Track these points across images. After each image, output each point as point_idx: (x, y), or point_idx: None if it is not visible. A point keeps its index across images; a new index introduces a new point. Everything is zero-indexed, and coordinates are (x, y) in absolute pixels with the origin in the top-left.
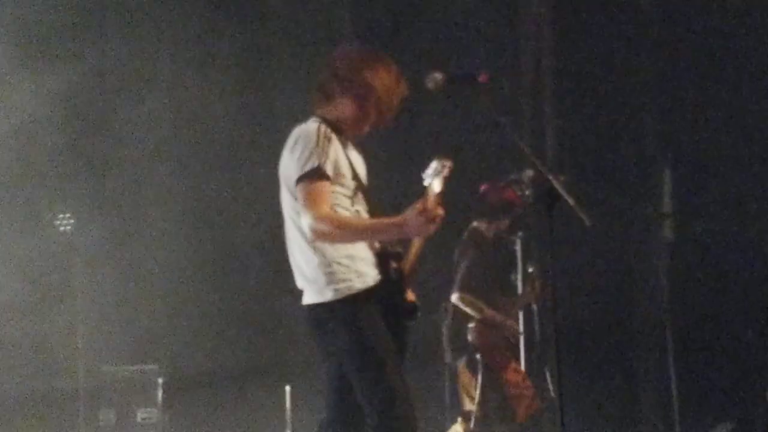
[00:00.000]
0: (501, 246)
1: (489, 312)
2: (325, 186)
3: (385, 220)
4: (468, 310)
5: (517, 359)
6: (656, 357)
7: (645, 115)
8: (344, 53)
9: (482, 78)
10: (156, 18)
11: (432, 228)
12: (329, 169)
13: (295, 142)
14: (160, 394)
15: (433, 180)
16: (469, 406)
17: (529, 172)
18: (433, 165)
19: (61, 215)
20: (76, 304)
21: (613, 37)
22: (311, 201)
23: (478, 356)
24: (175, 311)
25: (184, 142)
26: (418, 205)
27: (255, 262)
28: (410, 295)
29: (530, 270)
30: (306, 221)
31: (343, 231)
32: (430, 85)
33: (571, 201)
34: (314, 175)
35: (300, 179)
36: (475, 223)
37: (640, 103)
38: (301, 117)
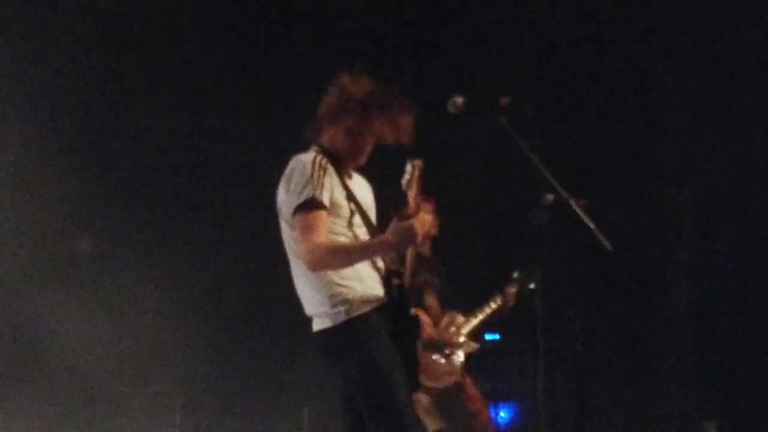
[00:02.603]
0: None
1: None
2: (320, 216)
3: (375, 239)
4: None
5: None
6: (678, 381)
7: (663, 136)
8: (344, 84)
9: (503, 101)
10: None
11: (418, 234)
12: (325, 199)
13: (291, 173)
14: (178, 416)
15: (407, 184)
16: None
17: (549, 197)
18: (407, 168)
19: None
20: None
21: (629, 54)
22: (306, 231)
23: None
24: (192, 334)
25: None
26: (404, 223)
27: (271, 282)
28: (413, 311)
29: (515, 275)
30: (302, 251)
31: (336, 257)
32: (451, 108)
33: (591, 225)
34: (310, 206)
35: (296, 210)
36: None
37: (658, 124)
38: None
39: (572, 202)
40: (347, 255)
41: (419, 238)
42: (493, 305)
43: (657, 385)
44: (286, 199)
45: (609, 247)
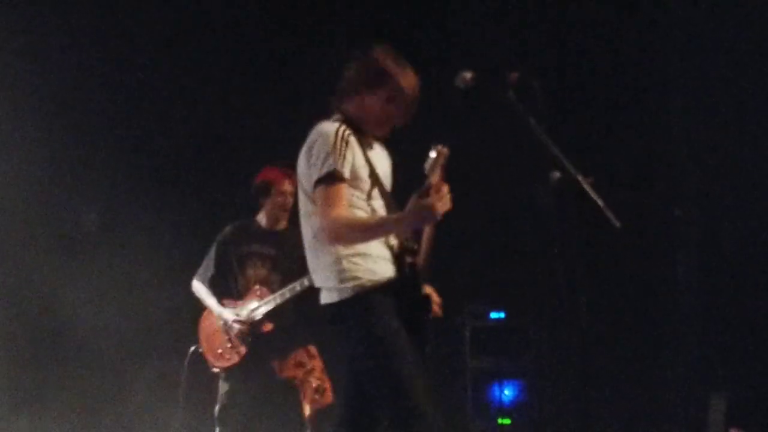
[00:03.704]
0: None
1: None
2: (341, 189)
3: (393, 215)
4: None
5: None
6: (686, 354)
7: (671, 114)
8: (373, 52)
9: (512, 78)
10: None
11: (438, 213)
12: (346, 172)
13: (313, 144)
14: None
15: (431, 169)
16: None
17: (556, 174)
18: (431, 154)
19: None
20: None
21: (639, 31)
22: (327, 204)
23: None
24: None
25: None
26: (423, 201)
27: None
28: (426, 290)
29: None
30: (321, 224)
31: (356, 231)
32: (459, 84)
33: (599, 203)
34: (331, 179)
35: (317, 183)
36: None
37: (666, 104)
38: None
39: (580, 178)
40: (367, 230)
41: (439, 217)
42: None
43: (664, 359)
44: (306, 170)
45: (617, 224)
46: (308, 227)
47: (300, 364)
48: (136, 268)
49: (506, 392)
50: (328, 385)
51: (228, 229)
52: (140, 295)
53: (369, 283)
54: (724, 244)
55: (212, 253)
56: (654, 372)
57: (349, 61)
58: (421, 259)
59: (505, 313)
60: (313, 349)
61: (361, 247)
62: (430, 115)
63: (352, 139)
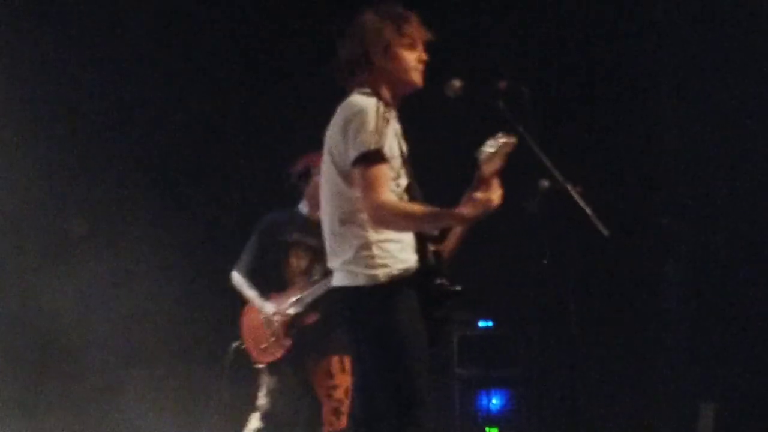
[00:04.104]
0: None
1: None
2: (384, 169)
3: (444, 209)
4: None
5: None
6: (675, 364)
7: (661, 123)
8: (362, 18)
9: (501, 85)
10: None
11: (494, 206)
12: (387, 151)
13: (351, 118)
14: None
15: (490, 156)
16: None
17: (545, 182)
18: (495, 142)
19: None
20: None
21: (629, 38)
22: (371, 186)
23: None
24: (190, 315)
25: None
26: (480, 194)
27: None
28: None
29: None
30: (366, 206)
31: (404, 219)
32: (448, 92)
33: (588, 211)
34: (374, 158)
35: (358, 161)
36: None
37: (657, 112)
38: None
39: (569, 187)
40: (416, 220)
41: (492, 210)
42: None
43: (653, 368)
44: (342, 145)
45: (606, 232)
46: (334, 206)
47: (329, 375)
48: (124, 274)
49: (494, 401)
50: (345, 408)
51: (269, 217)
52: (129, 300)
53: (397, 272)
54: (717, 244)
55: (253, 242)
56: (643, 381)
57: (342, 38)
58: (448, 249)
59: (494, 321)
60: (347, 362)
61: (390, 233)
62: (419, 122)
63: (391, 117)
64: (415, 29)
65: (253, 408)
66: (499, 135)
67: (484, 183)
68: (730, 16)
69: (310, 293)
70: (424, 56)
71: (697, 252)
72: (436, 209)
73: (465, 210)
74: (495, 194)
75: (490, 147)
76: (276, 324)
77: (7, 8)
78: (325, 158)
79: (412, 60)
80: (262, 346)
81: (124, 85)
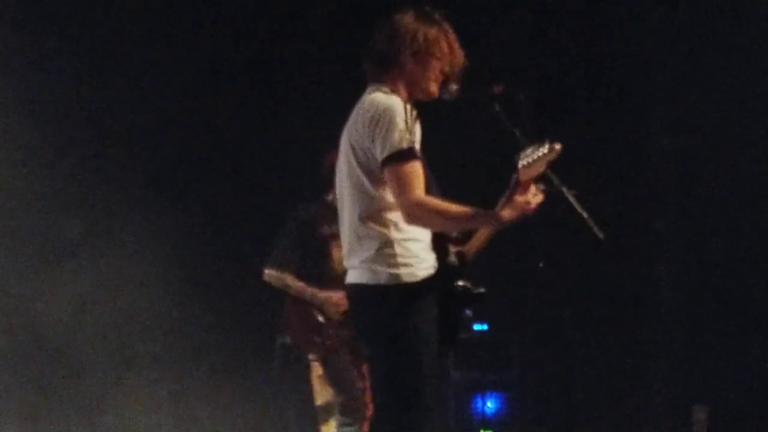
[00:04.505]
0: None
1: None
2: (418, 167)
3: (483, 210)
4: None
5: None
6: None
7: (653, 127)
8: (399, 16)
9: (497, 89)
10: None
11: (528, 214)
12: (418, 149)
13: (378, 118)
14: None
15: (533, 162)
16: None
17: (540, 186)
18: (540, 148)
19: None
20: None
21: (621, 42)
22: (407, 183)
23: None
24: (183, 318)
25: None
26: (519, 198)
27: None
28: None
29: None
30: (402, 204)
31: (439, 217)
32: (445, 95)
33: (584, 214)
34: (407, 156)
35: (390, 159)
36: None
37: (650, 117)
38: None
39: (564, 190)
40: (451, 218)
41: (530, 214)
42: None
43: (647, 371)
44: (367, 144)
45: (601, 236)
46: (356, 203)
47: (362, 377)
48: (117, 277)
49: (489, 404)
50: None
51: (305, 207)
52: (121, 303)
53: (419, 273)
54: (710, 248)
55: (290, 235)
56: (636, 383)
57: (385, 29)
58: (472, 251)
59: (488, 325)
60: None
61: (413, 232)
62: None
63: (416, 115)
64: (447, 41)
65: (321, 411)
66: (545, 143)
67: (522, 186)
68: (721, 23)
69: None
70: (447, 69)
71: (690, 256)
72: (472, 209)
73: (502, 212)
74: (534, 198)
75: (534, 153)
76: (330, 312)
77: (2, 7)
78: (346, 156)
79: (436, 70)
80: (315, 338)
81: (118, 87)
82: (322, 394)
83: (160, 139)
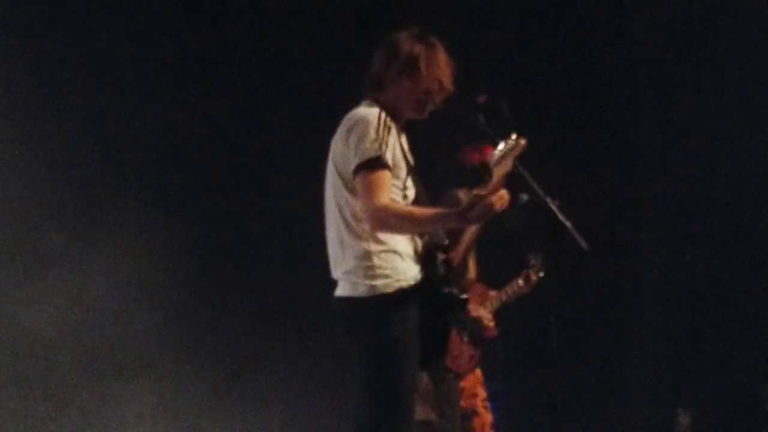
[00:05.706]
0: None
1: None
2: (385, 175)
3: (445, 210)
4: None
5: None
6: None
7: (638, 138)
8: (401, 38)
9: (481, 99)
10: None
11: (496, 211)
12: (389, 158)
13: (352, 128)
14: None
15: (499, 158)
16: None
17: (524, 196)
18: (506, 143)
19: None
20: None
21: (605, 51)
22: (372, 190)
23: None
24: (167, 330)
25: None
26: (480, 191)
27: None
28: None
29: (532, 260)
30: (366, 211)
31: (403, 221)
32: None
33: (567, 225)
34: (375, 165)
35: (359, 168)
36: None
37: (634, 127)
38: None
39: (548, 201)
40: (415, 222)
41: (490, 218)
42: (516, 287)
43: (631, 376)
44: (345, 154)
45: (585, 246)
46: (338, 214)
47: (473, 395)
48: (100, 288)
49: None
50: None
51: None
52: (104, 314)
53: (396, 284)
54: (693, 257)
55: None
56: (621, 389)
57: (380, 48)
58: (457, 256)
59: None
60: (479, 373)
61: (392, 244)
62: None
63: (393, 126)
64: (438, 64)
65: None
66: (510, 137)
67: (493, 186)
68: (705, 29)
69: (514, 293)
70: (434, 88)
71: (674, 265)
72: (436, 211)
73: (467, 213)
74: (497, 196)
75: (500, 148)
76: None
77: None
78: (330, 168)
79: (422, 92)
80: (454, 353)
81: (108, 91)
82: (425, 410)
83: (145, 145)
